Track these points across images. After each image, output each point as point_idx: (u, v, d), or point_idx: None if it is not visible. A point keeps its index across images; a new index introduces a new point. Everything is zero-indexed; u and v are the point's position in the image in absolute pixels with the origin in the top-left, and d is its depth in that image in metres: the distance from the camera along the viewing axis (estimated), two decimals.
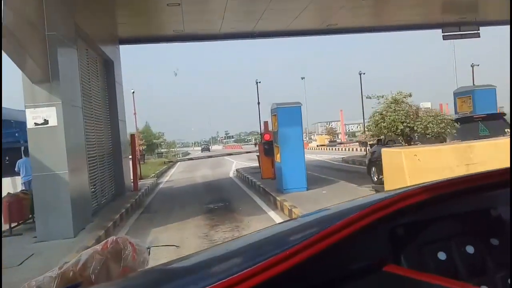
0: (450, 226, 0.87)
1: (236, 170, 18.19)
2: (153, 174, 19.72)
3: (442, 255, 0.81)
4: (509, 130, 8.24)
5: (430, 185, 0.89)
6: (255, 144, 17.91)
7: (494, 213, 0.89)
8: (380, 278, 0.73)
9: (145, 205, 11.01)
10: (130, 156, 18.93)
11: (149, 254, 1.34)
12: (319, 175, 12.40)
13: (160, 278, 0.87)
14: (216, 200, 10.47)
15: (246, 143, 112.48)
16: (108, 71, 12.29)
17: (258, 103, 17.84)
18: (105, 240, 1.31)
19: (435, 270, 0.79)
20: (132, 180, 13.45)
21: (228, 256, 0.84)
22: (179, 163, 39.13)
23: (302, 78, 71.32)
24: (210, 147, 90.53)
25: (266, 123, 13.88)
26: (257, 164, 19.72)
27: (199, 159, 17.70)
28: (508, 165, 0.90)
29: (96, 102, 10.75)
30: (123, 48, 13.59)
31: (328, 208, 0.98)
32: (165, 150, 64.45)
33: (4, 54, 6.07)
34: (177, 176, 20.87)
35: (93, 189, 9.84)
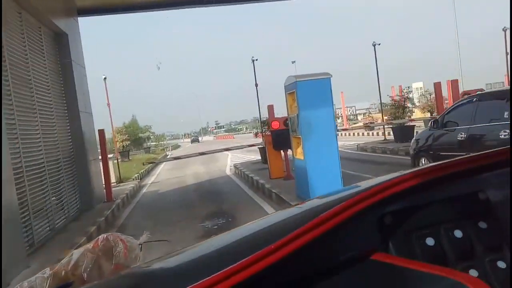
0: (438, 211, 0.85)
1: (234, 165, 15.36)
2: (136, 175, 16.81)
3: (430, 241, 0.80)
4: None
5: (416, 171, 0.89)
6: (256, 134, 14.94)
7: (482, 196, 0.88)
8: (369, 267, 0.73)
9: (119, 225, 8.15)
10: (110, 156, 16.04)
11: (141, 250, 1.34)
12: (346, 171, 9.58)
13: (151, 275, 0.86)
14: (215, 214, 7.67)
15: (237, 133, 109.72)
16: (61, 47, 9.30)
17: (256, 85, 14.98)
18: (96, 238, 1.34)
19: (423, 256, 0.78)
20: (105, 187, 10.54)
21: (214, 252, 0.83)
22: (170, 155, 36.21)
23: (293, 62, 68.64)
24: (199, 138, 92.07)
25: (271, 107, 11.04)
26: (256, 157, 17.03)
27: (188, 157, 14.65)
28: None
29: (41, 89, 7.80)
30: (97, 31, 10.55)
31: (314, 198, 0.99)
32: (155, 143, 61.85)
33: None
34: (164, 175, 18.00)
35: (42, 209, 7.02)
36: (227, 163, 20.04)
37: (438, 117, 7.99)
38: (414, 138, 8.57)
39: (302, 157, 6.74)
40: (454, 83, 12.18)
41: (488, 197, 0.87)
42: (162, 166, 24.77)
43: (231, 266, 0.64)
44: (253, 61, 15.32)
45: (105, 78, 14.42)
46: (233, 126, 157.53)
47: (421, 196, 0.85)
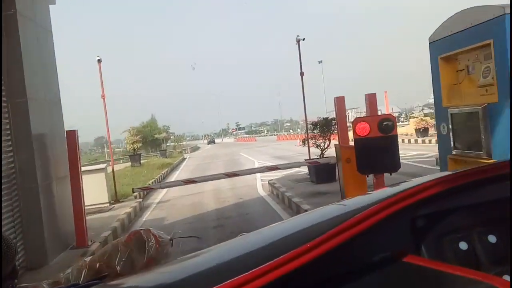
0: (472, 216, 0.84)
1: (269, 182, 11.31)
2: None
3: (463, 245, 0.79)
4: None
5: (450, 175, 0.89)
6: (303, 142, 10.74)
7: None
8: (401, 269, 0.73)
9: None
10: (105, 165, 12.36)
11: (171, 246, 1.51)
12: None
13: (182, 273, 0.86)
14: None
15: (258, 135, 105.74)
16: None
17: (302, 73, 10.98)
18: (129, 232, 1.53)
19: (456, 261, 0.77)
20: (75, 223, 6.66)
21: (249, 251, 0.82)
22: (187, 161, 32.43)
23: (320, 62, 64.30)
24: (215, 140, 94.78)
25: (341, 99, 6.98)
26: (293, 168, 13.04)
27: (208, 180, 10.34)
28: None
29: None
30: None
31: (348, 199, 1.00)
32: (174, 144, 59.17)
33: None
34: (176, 191, 14.11)
35: None
36: (256, 174, 16.08)
37: None
38: None
39: None
40: None
41: None
42: (177, 173, 21.08)
43: (263, 265, 0.64)
44: (298, 41, 11.31)
45: (99, 60, 10.63)
46: (254, 128, 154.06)
47: (454, 200, 0.84)
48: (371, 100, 6.82)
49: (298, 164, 8.94)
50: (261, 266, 0.63)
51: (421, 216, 0.79)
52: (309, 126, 10.35)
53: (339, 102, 6.86)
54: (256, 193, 11.09)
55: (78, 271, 1.37)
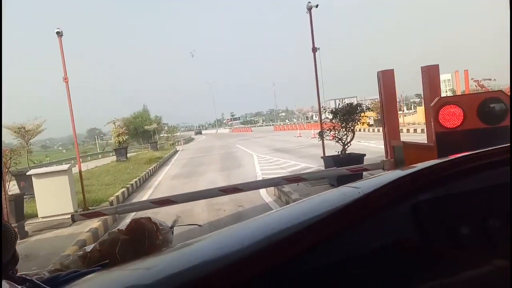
0: (473, 201, 0.83)
1: (278, 189, 9.14)
2: (121, 191, 10.93)
3: (464, 230, 0.79)
4: None
5: (452, 160, 0.87)
6: (319, 135, 8.39)
7: None
8: (402, 254, 0.73)
9: None
10: (69, 166, 10.17)
11: (172, 234, 1.52)
12: None
13: (184, 258, 0.87)
14: None
15: (254, 125, 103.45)
16: None
17: (314, 49, 8.91)
18: (130, 221, 1.44)
19: (458, 244, 0.77)
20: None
21: (254, 233, 0.82)
22: (179, 154, 30.34)
23: (318, 49, 61.94)
24: (202, 131, 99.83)
25: (388, 73, 4.81)
26: (300, 163, 10.90)
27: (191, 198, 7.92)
28: None
29: None
30: None
31: (347, 185, 0.96)
32: (167, 135, 57.17)
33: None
34: (166, 191, 11.99)
35: None
36: (256, 170, 14.03)
37: None
38: None
39: None
40: None
41: None
42: (166, 168, 18.96)
43: (264, 249, 0.65)
44: (309, 9, 9.14)
45: (58, 33, 8.38)
46: (249, 118, 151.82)
47: (456, 185, 0.83)
48: (431, 74, 4.66)
49: (335, 173, 6.51)
50: (263, 249, 0.65)
51: (422, 201, 0.78)
52: (328, 113, 8.21)
53: (386, 78, 4.71)
54: (259, 198, 8.96)
55: (79, 259, 1.35)
